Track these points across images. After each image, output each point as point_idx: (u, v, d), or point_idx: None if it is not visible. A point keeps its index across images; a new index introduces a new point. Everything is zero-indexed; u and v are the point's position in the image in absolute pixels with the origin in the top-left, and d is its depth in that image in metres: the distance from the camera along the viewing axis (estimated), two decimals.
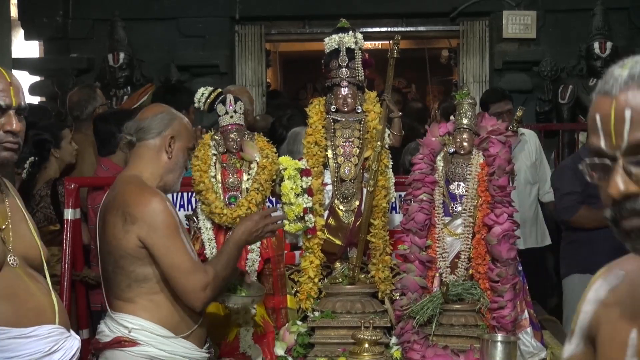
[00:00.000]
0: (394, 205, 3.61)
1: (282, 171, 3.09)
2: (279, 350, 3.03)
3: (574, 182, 4.23)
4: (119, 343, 2.45)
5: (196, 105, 3.16)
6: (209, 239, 3.06)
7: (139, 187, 2.51)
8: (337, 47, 3.19)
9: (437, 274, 3.02)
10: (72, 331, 2.21)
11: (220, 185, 3.08)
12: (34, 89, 6.96)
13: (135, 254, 2.44)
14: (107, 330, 2.51)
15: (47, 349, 2.09)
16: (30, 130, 4.75)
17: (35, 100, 6.86)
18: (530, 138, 5.02)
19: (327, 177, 3.23)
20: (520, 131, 4.95)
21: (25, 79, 7.03)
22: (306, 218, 3.09)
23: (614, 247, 1.21)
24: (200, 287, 2.44)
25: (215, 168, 3.10)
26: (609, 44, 6.28)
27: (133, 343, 2.45)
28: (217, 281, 2.49)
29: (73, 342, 2.18)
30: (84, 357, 3.91)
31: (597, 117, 1.14)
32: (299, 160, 3.16)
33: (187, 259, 2.45)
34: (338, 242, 3.22)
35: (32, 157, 4.21)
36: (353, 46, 3.19)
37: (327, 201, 3.22)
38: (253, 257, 3.05)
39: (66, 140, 4.29)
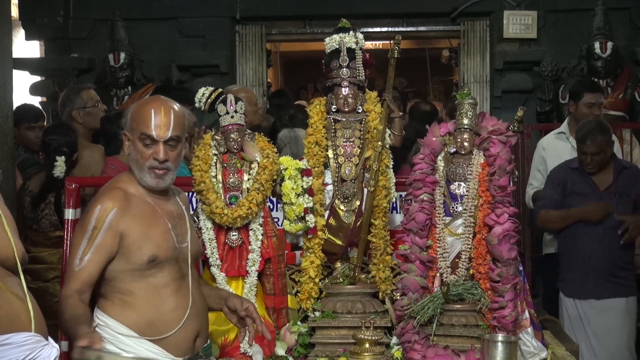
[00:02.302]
0: (394, 205, 3.61)
1: (282, 171, 3.09)
2: (280, 350, 3.03)
3: (548, 189, 4.42)
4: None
5: (197, 105, 3.16)
6: (209, 239, 3.06)
7: (106, 187, 2.53)
8: (337, 47, 3.19)
9: (438, 274, 3.02)
10: (50, 339, 2.13)
11: (221, 185, 3.08)
12: (34, 89, 6.96)
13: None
14: None
15: (23, 357, 2.02)
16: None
17: (35, 100, 6.85)
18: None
19: (328, 177, 3.23)
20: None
21: (26, 79, 7.04)
22: (307, 218, 3.09)
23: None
24: (63, 294, 2.38)
25: (216, 168, 3.10)
26: (609, 44, 6.28)
27: None
28: (64, 306, 2.35)
29: (51, 350, 2.11)
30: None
31: None
32: (299, 160, 3.17)
33: (73, 262, 2.40)
34: (339, 242, 3.22)
35: (62, 156, 4.23)
36: (354, 46, 3.19)
37: (327, 201, 3.22)
38: (254, 257, 3.05)
39: None
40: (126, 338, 2.43)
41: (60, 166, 4.20)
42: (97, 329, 2.44)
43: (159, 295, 2.47)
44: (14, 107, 4.54)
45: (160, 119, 2.47)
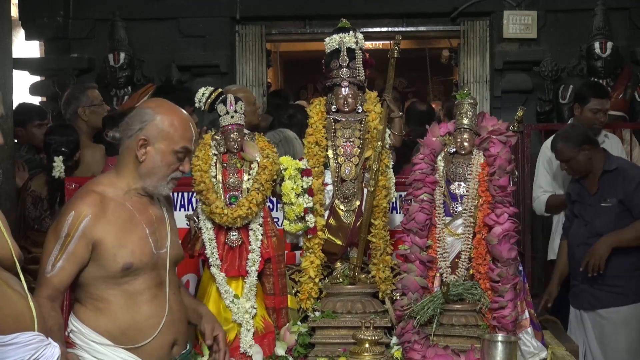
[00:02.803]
0: (394, 205, 3.61)
1: (282, 171, 3.09)
2: (280, 350, 3.03)
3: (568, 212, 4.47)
4: (67, 342, 2.42)
5: (197, 105, 3.16)
6: (209, 239, 3.06)
7: (83, 189, 2.49)
8: (337, 47, 3.19)
9: (438, 274, 3.02)
10: (50, 338, 2.12)
11: (220, 185, 3.08)
12: (34, 89, 6.96)
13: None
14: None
15: (28, 357, 2.02)
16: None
17: (35, 100, 6.85)
18: (612, 141, 4.95)
19: (328, 177, 3.23)
20: (603, 132, 4.91)
21: (26, 79, 7.04)
22: (307, 218, 3.09)
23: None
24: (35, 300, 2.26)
25: (216, 168, 3.10)
26: (609, 44, 6.28)
27: (72, 344, 2.42)
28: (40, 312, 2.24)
29: (53, 350, 2.10)
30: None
31: None
32: (299, 160, 3.17)
33: (45, 268, 2.38)
34: (339, 242, 3.22)
35: (61, 156, 4.23)
36: (354, 46, 3.18)
37: (327, 201, 3.22)
38: (254, 257, 3.05)
39: None
40: (100, 346, 2.41)
41: (58, 167, 4.19)
42: (70, 334, 2.43)
43: (134, 302, 2.43)
44: (15, 107, 4.55)
45: (194, 132, 2.51)
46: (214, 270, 3.05)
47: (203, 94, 3.13)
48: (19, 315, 2.06)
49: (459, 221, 3.02)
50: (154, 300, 2.47)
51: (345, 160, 3.20)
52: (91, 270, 2.41)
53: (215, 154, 3.09)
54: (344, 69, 3.18)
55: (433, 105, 7.13)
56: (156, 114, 2.49)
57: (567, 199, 4.44)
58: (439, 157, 3.11)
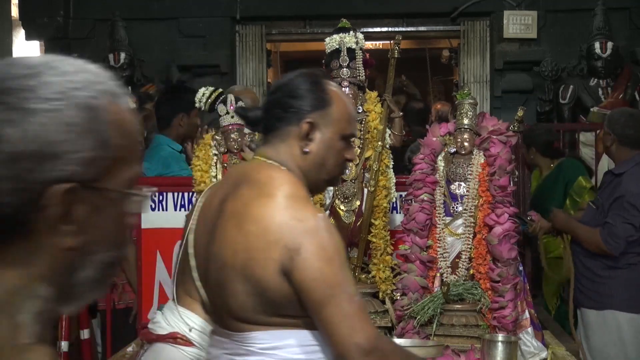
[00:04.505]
0: (394, 205, 3.61)
1: None
2: None
3: None
4: (174, 339, 2.33)
5: (197, 105, 3.16)
6: None
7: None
8: (337, 47, 3.19)
9: (438, 274, 3.02)
10: None
11: None
12: None
13: None
14: (164, 322, 2.38)
15: None
16: None
17: None
18: None
19: None
20: None
21: None
22: None
23: None
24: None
25: (216, 168, 3.10)
26: (609, 44, 6.28)
27: (188, 343, 2.33)
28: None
29: None
30: (75, 358, 3.92)
31: None
32: None
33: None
34: None
35: None
36: (354, 46, 3.18)
37: (327, 201, 3.22)
38: None
39: None
40: None
41: None
42: (192, 332, 2.36)
43: None
44: None
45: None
46: None
47: (203, 94, 3.14)
48: None
49: (459, 221, 3.02)
50: None
51: None
52: None
53: (215, 154, 3.10)
54: (344, 69, 3.18)
55: (439, 106, 7.12)
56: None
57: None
58: (439, 157, 3.11)
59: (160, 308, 2.54)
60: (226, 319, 1.80)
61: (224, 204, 1.81)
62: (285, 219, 1.70)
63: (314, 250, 1.67)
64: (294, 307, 1.71)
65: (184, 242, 2.06)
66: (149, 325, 2.47)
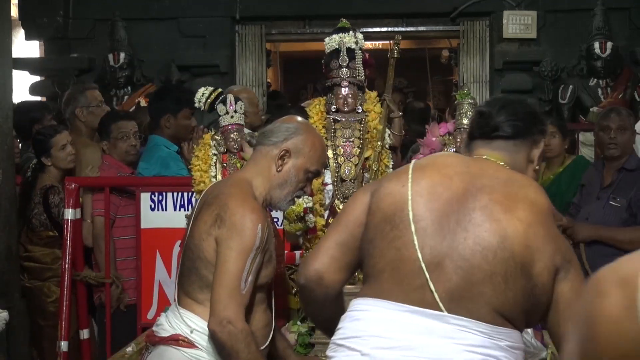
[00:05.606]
0: None
1: None
2: None
3: None
4: (176, 341, 2.32)
5: (196, 105, 3.16)
6: None
7: (243, 195, 2.34)
8: (337, 47, 3.19)
9: None
10: None
11: None
12: (34, 89, 6.97)
13: (211, 260, 2.29)
14: (167, 325, 2.37)
15: None
16: (36, 125, 4.78)
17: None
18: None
19: (328, 177, 3.22)
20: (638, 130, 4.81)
21: (26, 79, 7.04)
22: (306, 218, 3.09)
23: None
24: (224, 315, 2.22)
25: (216, 168, 3.09)
26: (609, 44, 6.29)
27: (190, 345, 2.32)
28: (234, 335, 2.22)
29: None
30: (72, 357, 3.92)
31: None
32: None
33: (233, 282, 2.25)
34: None
35: (36, 160, 4.25)
36: (353, 46, 3.18)
37: (327, 201, 3.22)
38: None
39: (56, 148, 4.18)
40: None
41: (30, 170, 4.26)
42: (194, 334, 2.37)
43: (254, 310, 2.39)
44: (17, 107, 4.55)
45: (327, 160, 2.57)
46: None
47: (203, 94, 3.13)
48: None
49: None
50: (266, 311, 2.45)
51: (345, 160, 3.20)
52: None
53: (215, 154, 3.09)
54: (344, 69, 3.18)
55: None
56: (303, 131, 2.47)
57: (580, 186, 4.26)
58: None
59: (165, 310, 2.55)
60: (473, 308, 1.76)
61: (475, 194, 1.82)
62: None
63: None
64: (536, 309, 1.82)
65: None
66: (153, 328, 2.47)
